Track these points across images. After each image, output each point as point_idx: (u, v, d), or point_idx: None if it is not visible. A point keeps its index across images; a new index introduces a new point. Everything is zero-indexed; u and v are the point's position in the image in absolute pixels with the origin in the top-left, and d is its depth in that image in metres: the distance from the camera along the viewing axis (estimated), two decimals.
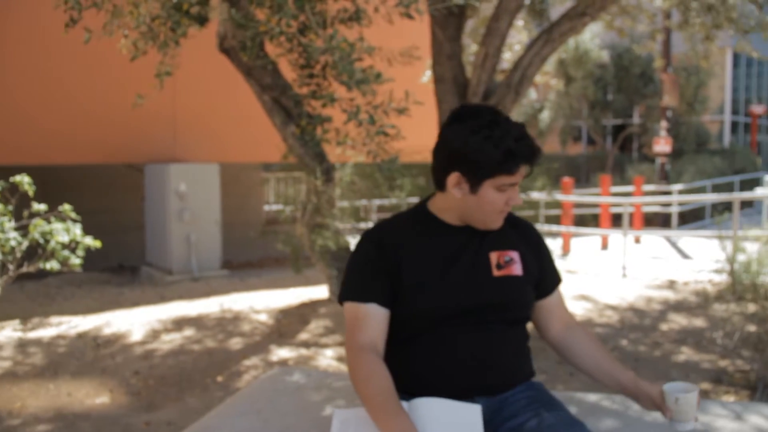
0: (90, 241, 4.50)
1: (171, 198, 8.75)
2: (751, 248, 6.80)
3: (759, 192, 12.84)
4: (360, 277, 1.79)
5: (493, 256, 1.81)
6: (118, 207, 10.01)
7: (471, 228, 1.82)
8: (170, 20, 3.45)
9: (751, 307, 6.25)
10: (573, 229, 10.75)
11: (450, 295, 1.75)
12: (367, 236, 1.84)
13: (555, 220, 11.56)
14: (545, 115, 20.10)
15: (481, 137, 1.68)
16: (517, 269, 1.82)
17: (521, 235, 1.90)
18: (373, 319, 1.73)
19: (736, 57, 22.56)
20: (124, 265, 9.94)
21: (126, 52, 3.61)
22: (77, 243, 4.45)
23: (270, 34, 3.36)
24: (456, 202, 1.77)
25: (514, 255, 1.83)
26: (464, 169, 1.71)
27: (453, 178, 1.73)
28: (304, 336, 5.59)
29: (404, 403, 1.63)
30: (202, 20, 3.59)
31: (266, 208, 11.06)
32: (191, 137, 9.84)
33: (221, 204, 9.26)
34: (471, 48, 8.20)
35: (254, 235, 9.72)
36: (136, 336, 5.73)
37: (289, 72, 4.61)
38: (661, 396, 1.74)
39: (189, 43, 4.11)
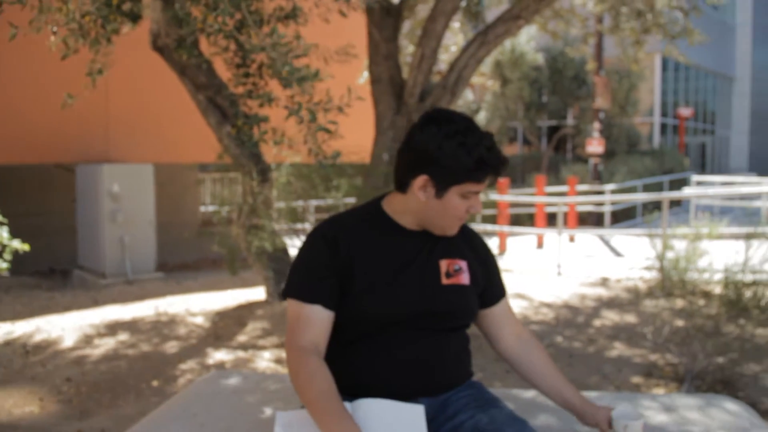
0: (18, 245, 4.35)
1: (104, 199, 8.54)
2: (680, 246, 7.02)
3: (687, 191, 13.27)
4: (308, 275, 1.74)
5: (443, 264, 1.80)
6: (48, 209, 9.71)
7: (424, 233, 1.81)
8: (101, 17, 3.36)
9: (680, 303, 6.46)
10: (509, 228, 10.91)
11: (399, 301, 1.73)
12: (319, 232, 1.79)
13: (491, 219, 11.72)
14: (482, 116, 20.35)
15: (455, 143, 1.67)
16: (465, 278, 1.82)
17: (470, 244, 1.91)
18: (317, 320, 1.69)
19: (665, 61, 23.25)
20: (55, 268, 9.65)
21: (56, 50, 3.50)
22: (4, 246, 4.31)
23: (206, 32, 3.31)
24: (417, 205, 1.75)
25: (463, 264, 1.83)
26: (433, 173, 1.69)
27: (420, 180, 1.71)
28: (241, 338, 5.52)
29: (347, 404, 1.63)
30: (134, 17, 3.51)
31: (202, 209, 10.89)
32: (125, 137, 9.63)
33: (156, 205, 9.08)
34: (408, 49, 8.24)
35: (190, 237, 9.58)
36: (68, 342, 5.57)
37: (224, 71, 4.55)
38: (607, 420, 1.78)
39: (122, 41, 4.02)
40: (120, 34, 3.50)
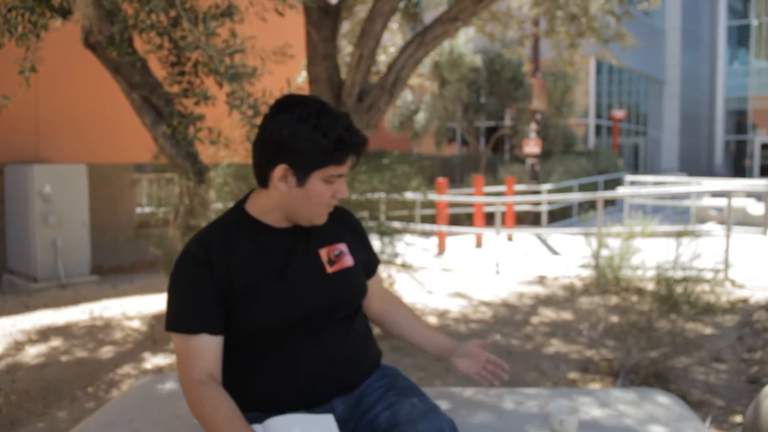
0: None
1: (35, 200, 8.28)
2: (614, 244, 7.20)
3: (620, 191, 13.60)
4: (186, 304, 1.64)
5: (323, 253, 1.76)
6: None
7: (296, 228, 1.75)
8: (28, 11, 3.25)
9: (614, 300, 6.62)
10: (447, 228, 11.00)
11: (289, 304, 1.67)
12: (189, 255, 1.66)
13: (430, 219, 11.80)
14: (420, 117, 20.48)
15: (309, 126, 1.60)
16: (348, 260, 1.79)
17: (343, 224, 1.86)
18: (206, 350, 1.61)
19: (599, 64, 23.81)
20: None
21: None
22: None
23: (139, 28, 3.24)
24: (281, 199, 1.68)
25: (343, 247, 1.80)
26: (292, 160, 1.62)
27: (279, 170, 1.63)
28: None
29: (258, 427, 1.61)
30: (64, 12, 3.41)
31: (138, 210, 10.67)
32: (56, 137, 9.36)
33: (90, 206, 8.85)
34: (346, 49, 8.24)
35: (126, 239, 9.35)
36: None
37: (159, 70, 4.47)
38: (476, 346, 1.89)
39: (52, 37, 3.90)
40: (49, 29, 3.39)
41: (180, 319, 1.63)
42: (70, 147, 9.43)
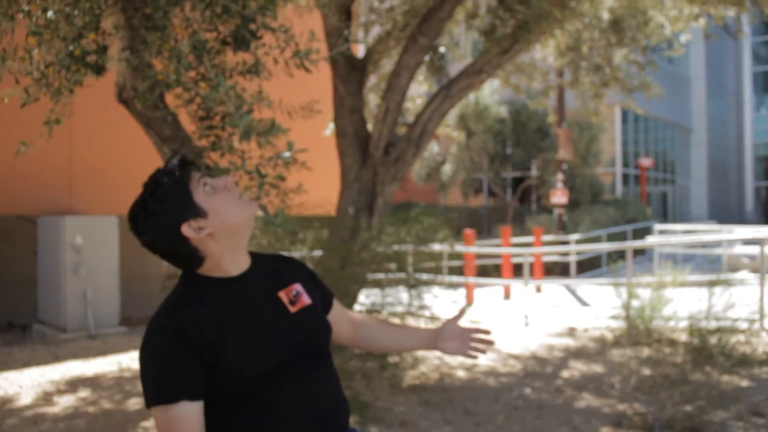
0: None
1: (66, 251, 8.39)
2: (644, 294, 7.09)
3: (650, 240, 13.47)
4: (160, 373, 1.60)
5: (282, 295, 1.77)
6: (8, 261, 9.51)
7: (249, 275, 1.74)
8: (64, 68, 3.35)
9: (646, 351, 6.49)
10: (475, 280, 10.93)
11: (270, 349, 1.66)
12: (157, 326, 1.64)
13: (458, 271, 11.74)
14: (447, 168, 20.57)
15: (147, 212, 1.65)
16: (306, 299, 1.80)
17: (291, 267, 1.89)
18: (186, 417, 1.57)
19: (625, 113, 23.83)
20: (14, 322, 9.40)
21: (8, 101, 3.47)
22: None
23: (166, 83, 3.31)
24: (218, 242, 1.67)
25: (298, 287, 1.81)
26: (178, 219, 1.64)
27: (186, 231, 1.64)
28: None
29: None
30: (99, 69, 3.50)
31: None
32: (88, 189, 9.53)
33: (120, 257, 8.95)
34: (373, 102, 8.35)
35: (155, 290, 9.41)
36: (26, 399, 5.40)
37: (189, 124, 4.55)
38: (454, 320, 1.95)
39: (86, 92, 4.01)
40: (83, 85, 3.48)
41: (156, 391, 1.58)
42: (101, 199, 9.59)
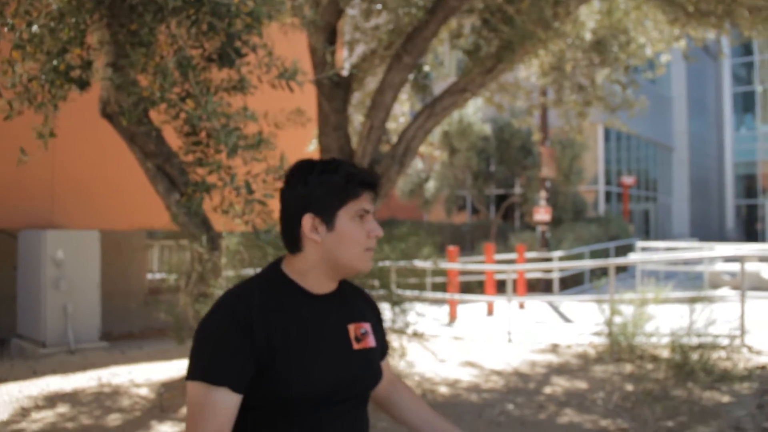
0: None
1: (47, 266, 8.32)
2: (627, 311, 7.13)
3: (632, 257, 13.56)
4: (214, 355, 1.58)
5: (351, 329, 1.74)
6: None
7: (331, 297, 1.73)
8: (48, 82, 3.35)
9: (629, 367, 6.53)
10: (459, 296, 10.95)
11: (323, 376, 1.64)
12: (228, 310, 1.62)
13: (441, 287, 11.75)
14: (431, 185, 20.62)
15: (318, 172, 1.67)
16: (371, 341, 1.78)
17: (368, 306, 1.87)
18: (224, 407, 1.55)
19: (607, 132, 24.03)
20: None
21: None
22: None
23: (151, 100, 3.32)
24: (317, 254, 1.67)
25: (368, 326, 1.79)
26: (314, 208, 1.65)
27: (306, 222, 1.65)
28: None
29: None
30: (82, 84, 3.50)
31: (149, 276, 10.69)
32: (70, 203, 9.47)
33: (101, 272, 8.88)
34: (357, 120, 8.39)
35: (136, 305, 9.35)
36: (3, 415, 5.33)
37: (174, 139, 4.55)
38: None
39: (70, 107, 4.00)
40: (66, 100, 3.48)
41: (205, 367, 1.57)
42: (83, 213, 9.53)
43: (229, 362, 1.56)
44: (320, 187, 1.65)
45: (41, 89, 3.43)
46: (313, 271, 1.70)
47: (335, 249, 1.67)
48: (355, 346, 1.73)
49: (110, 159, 8.96)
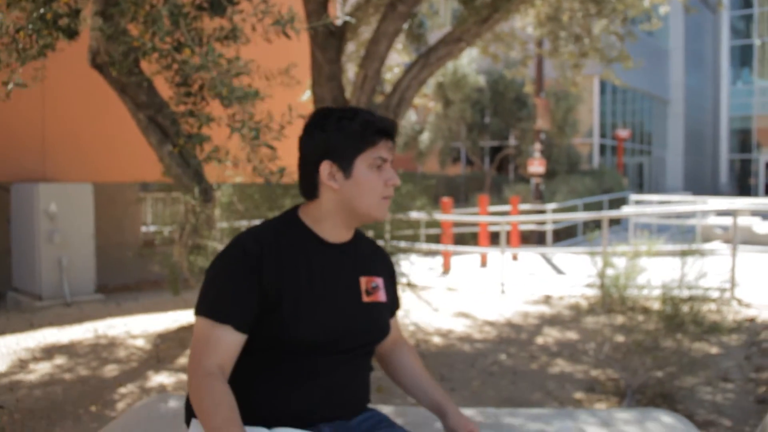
0: None
1: (40, 219, 8.30)
2: (619, 263, 7.18)
3: (625, 210, 13.59)
4: (222, 292, 1.62)
5: (362, 281, 1.76)
6: None
7: (345, 247, 1.75)
8: (35, 32, 3.28)
9: (620, 319, 6.59)
10: (453, 247, 10.99)
11: (328, 324, 1.66)
12: (240, 247, 1.65)
13: (435, 239, 11.79)
14: (425, 137, 20.53)
15: (335, 119, 1.67)
16: (382, 296, 1.79)
17: (381, 261, 1.88)
18: (226, 343, 1.59)
19: (603, 84, 23.88)
20: None
21: None
22: None
23: (142, 50, 3.27)
24: (334, 201, 1.69)
25: (379, 281, 1.80)
26: (331, 155, 1.66)
27: (324, 168, 1.67)
28: (183, 360, 5.42)
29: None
30: (71, 33, 3.43)
31: (143, 229, 10.69)
32: (62, 156, 9.41)
33: (95, 225, 8.87)
34: (351, 70, 8.29)
35: (131, 258, 9.36)
36: (1, 366, 5.38)
37: (166, 90, 4.50)
38: (466, 430, 1.77)
39: (59, 57, 3.94)
40: (55, 50, 3.42)
41: (211, 305, 1.62)
42: (75, 166, 9.47)
43: (234, 302, 1.60)
44: (337, 133, 1.66)
45: (29, 39, 3.37)
46: (329, 219, 1.72)
47: (352, 196, 1.67)
48: (365, 298, 1.74)
49: (102, 111, 8.88)
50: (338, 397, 1.71)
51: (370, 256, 1.82)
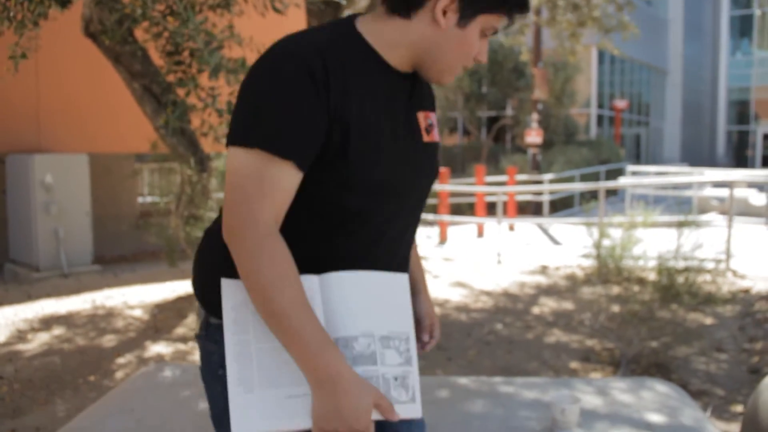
0: None
1: (36, 190, 8.28)
2: (616, 234, 7.20)
3: (622, 181, 13.60)
4: (282, 117, 1.20)
5: (421, 117, 1.43)
6: None
7: (408, 77, 1.40)
8: (28, 1, 3.24)
9: (616, 289, 6.63)
10: (449, 217, 11.00)
11: (394, 167, 1.34)
12: (299, 60, 1.22)
13: (432, 209, 11.80)
14: None
15: None
16: (436, 135, 1.48)
17: (431, 95, 1.54)
18: (285, 185, 1.21)
19: (601, 54, 23.74)
20: None
21: None
22: None
23: (133, 17, 3.23)
24: (423, 36, 1.32)
25: (434, 118, 1.49)
26: None
27: (444, 1, 1.27)
28: (180, 330, 5.44)
29: (313, 279, 1.28)
30: (63, 2, 3.39)
31: (140, 199, 10.67)
32: (57, 126, 9.36)
33: (92, 196, 8.86)
34: None
35: (127, 228, 9.37)
36: (0, 337, 5.41)
37: (158, 59, 4.45)
38: (429, 320, 1.61)
39: (53, 26, 3.89)
40: (48, 18, 3.38)
41: (268, 133, 1.20)
42: (71, 137, 9.43)
43: (300, 129, 1.21)
44: None
45: (21, 8, 3.33)
46: (400, 48, 1.34)
47: (447, 47, 1.34)
48: (426, 137, 1.44)
49: (97, 80, 8.81)
50: (395, 252, 1.45)
51: (425, 89, 1.49)
